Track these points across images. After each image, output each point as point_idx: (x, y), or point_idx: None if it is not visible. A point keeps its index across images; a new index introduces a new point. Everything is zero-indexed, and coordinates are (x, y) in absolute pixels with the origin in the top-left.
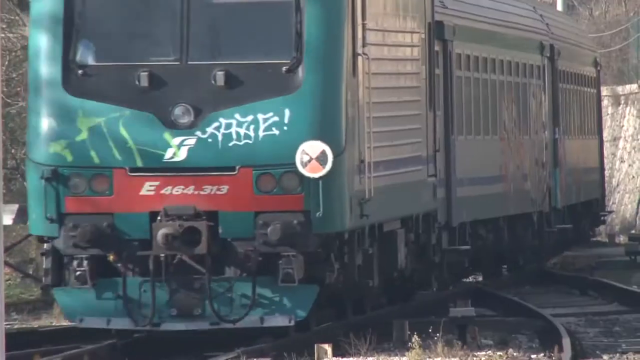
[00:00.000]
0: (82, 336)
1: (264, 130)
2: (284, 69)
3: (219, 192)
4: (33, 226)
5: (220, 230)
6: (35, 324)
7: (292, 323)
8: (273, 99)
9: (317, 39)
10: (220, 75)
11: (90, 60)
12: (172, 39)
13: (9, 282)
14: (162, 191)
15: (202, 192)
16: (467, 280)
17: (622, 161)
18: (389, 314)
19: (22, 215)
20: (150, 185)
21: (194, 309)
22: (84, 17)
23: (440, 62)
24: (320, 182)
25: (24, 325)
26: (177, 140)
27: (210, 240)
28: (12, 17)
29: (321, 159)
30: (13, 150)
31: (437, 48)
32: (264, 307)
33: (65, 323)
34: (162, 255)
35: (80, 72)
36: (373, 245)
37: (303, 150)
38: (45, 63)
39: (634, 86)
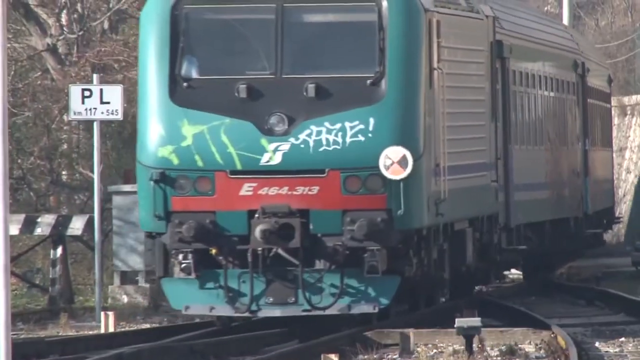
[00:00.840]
0: (88, 346)
1: (351, 137)
2: (368, 81)
3: (310, 193)
4: (142, 223)
5: (311, 227)
6: (41, 333)
7: (377, 310)
8: (359, 108)
9: (398, 55)
10: (311, 88)
11: (194, 74)
12: (268, 54)
13: (15, 292)
14: (259, 192)
15: (295, 193)
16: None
17: (628, 172)
18: (395, 323)
19: (28, 225)
20: (249, 187)
21: (288, 297)
22: (187, 35)
23: (499, 78)
24: (402, 183)
25: (30, 335)
26: (272, 146)
27: (302, 236)
28: (19, 28)
29: (402, 162)
30: (19, 160)
31: (496, 65)
32: (351, 295)
33: (71, 333)
34: (260, 249)
35: (185, 84)
36: (446, 242)
37: (386, 154)
38: (153, 77)
39: None
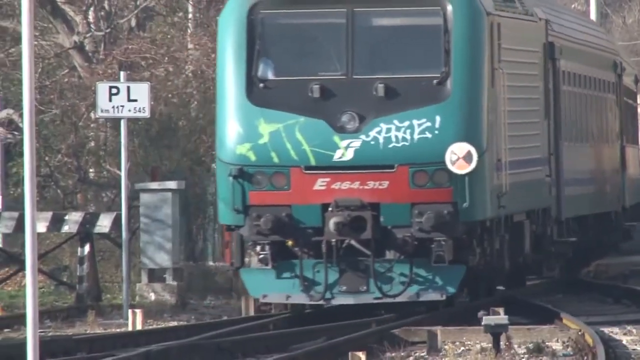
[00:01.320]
0: (115, 344)
1: (419, 134)
2: (435, 81)
3: (380, 187)
4: (222, 216)
5: (381, 219)
6: (69, 331)
7: (444, 298)
8: (426, 107)
9: (462, 56)
10: (380, 87)
11: (270, 75)
12: (339, 56)
13: (43, 289)
14: (332, 186)
15: (366, 187)
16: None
17: None
18: (422, 322)
19: (55, 223)
20: (322, 181)
21: (360, 286)
22: (263, 39)
23: (551, 78)
24: (467, 177)
25: (57, 333)
26: (344, 143)
27: (374, 228)
28: (46, 25)
29: (467, 157)
30: (47, 158)
31: (548, 66)
32: (419, 284)
33: (99, 331)
34: (333, 240)
35: (261, 85)
36: (507, 233)
37: (452, 150)
38: (231, 78)
39: None
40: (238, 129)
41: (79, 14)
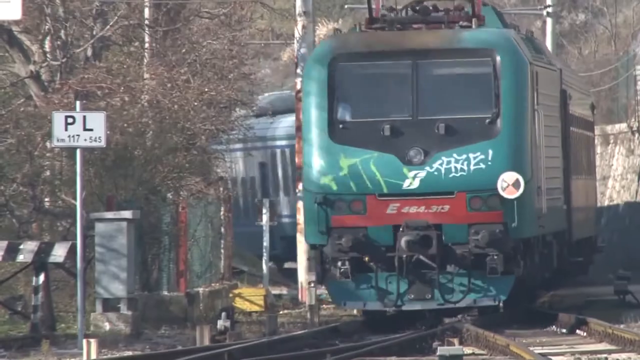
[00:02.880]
0: None
1: (474, 165)
2: (487, 121)
3: (442, 210)
4: (307, 237)
5: (444, 238)
6: None
7: (497, 303)
8: (480, 142)
9: (510, 99)
10: (441, 126)
11: (348, 118)
12: (406, 101)
13: None
14: (402, 210)
15: (430, 210)
16: (454, 319)
17: (611, 200)
18: (376, 352)
19: (10, 252)
20: (393, 206)
21: (426, 294)
22: (342, 87)
23: (564, 120)
24: (515, 201)
25: None
26: (412, 174)
27: (438, 245)
28: (2, 54)
29: (515, 184)
30: (2, 187)
31: (562, 109)
32: (476, 292)
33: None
34: (404, 255)
35: (341, 126)
36: (544, 249)
37: (502, 179)
38: (316, 121)
39: (623, 125)
40: (322, 163)
41: (35, 43)
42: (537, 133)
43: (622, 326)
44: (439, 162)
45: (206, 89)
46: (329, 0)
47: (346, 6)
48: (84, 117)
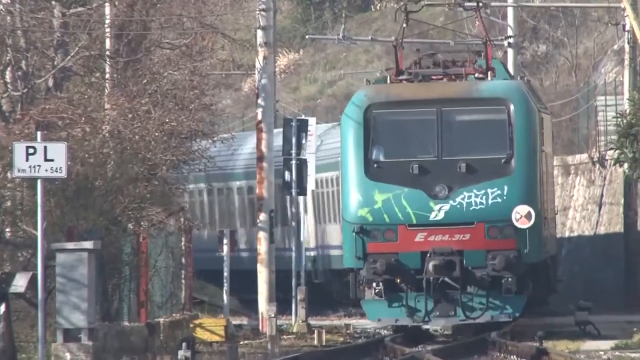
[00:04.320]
0: None
1: (492, 199)
2: (502, 160)
3: (464, 238)
4: (346, 261)
5: (465, 262)
6: None
7: (511, 319)
8: (497, 179)
9: (522, 142)
10: (463, 165)
11: (381, 158)
12: (432, 143)
13: None
14: (429, 238)
15: (453, 238)
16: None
17: (571, 231)
18: None
19: None
20: (421, 235)
21: (449, 311)
22: (376, 131)
23: (548, 161)
24: (527, 231)
25: None
26: (437, 207)
27: (461, 268)
28: None
29: (528, 216)
30: None
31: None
32: (493, 309)
33: None
34: (432, 278)
35: (375, 165)
36: (548, 272)
37: (516, 211)
38: (353, 160)
39: (584, 156)
40: (359, 197)
41: None
42: (543, 171)
43: (582, 357)
44: (461, 196)
45: (167, 120)
46: (290, 31)
47: (307, 37)
48: (45, 147)
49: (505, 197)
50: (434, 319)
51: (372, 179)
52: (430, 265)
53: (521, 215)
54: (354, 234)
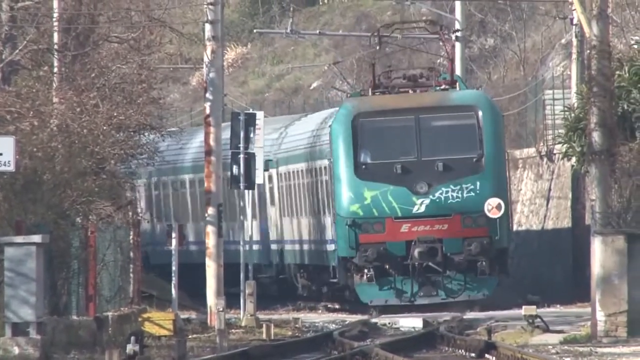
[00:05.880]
0: None
1: (466, 193)
2: (474, 159)
3: (443, 228)
4: (340, 251)
5: (444, 249)
6: None
7: (484, 296)
8: (470, 176)
9: (490, 143)
10: (440, 165)
11: (369, 160)
12: (412, 146)
13: None
14: (412, 229)
15: (434, 228)
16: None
17: (519, 225)
18: None
19: None
20: (406, 226)
21: (432, 292)
22: (363, 136)
23: None
24: (497, 220)
25: None
26: (419, 201)
27: (441, 254)
28: None
29: (498, 207)
30: None
31: None
32: (470, 290)
33: None
34: (417, 263)
35: (363, 166)
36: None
37: (488, 203)
38: (344, 163)
39: (532, 150)
40: (350, 195)
41: None
42: (507, 168)
43: (531, 350)
44: (440, 191)
45: (115, 113)
46: (238, 25)
47: (255, 31)
48: None
49: (478, 192)
50: (419, 299)
51: (362, 179)
52: (415, 252)
53: (492, 207)
54: (347, 227)
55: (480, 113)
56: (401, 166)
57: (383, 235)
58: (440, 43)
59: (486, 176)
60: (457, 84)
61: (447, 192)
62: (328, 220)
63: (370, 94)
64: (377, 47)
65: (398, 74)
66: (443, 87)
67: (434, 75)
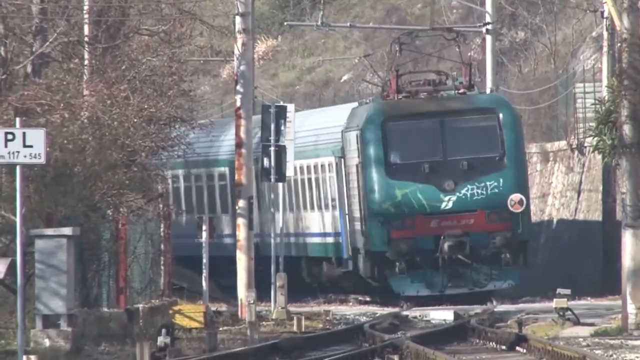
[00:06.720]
0: None
1: (490, 190)
2: (496, 158)
3: (469, 223)
4: (373, 245)
5: (471, 243)
6: None
7: (509, 286)
8: (493, 174)
9: (511, 142)
10: (465, 164)
11: (399, 160)
12: (438, 147)
13: None
14: (441, 224)
15: (461, 223)
16: (396, 335)
17: (550, 218)
18: None
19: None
20: (435, 222)
21: (461, 282)
22: (392, 138)
23: None
24: (520, 214)
25: None
26: (446, 198)
27: (469, 248)
28: None
29: (520, 202)
30: None
31: None
32: (496, 280)
33: None
34: (446, 256)
35: (394, 167)
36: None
37: (511, 198)
38: (375, 163)
39: (563, 143)
40: (382, 193)
41: None
42: (527, 165)
43: (562, 343)
44: (465, 189)
45: (146, 106)
46: (268, 17)
47: (285, 23)
48: (24, 133)
49: (501, 188)
50: (448, 289)
51: (392, 178)
52: (445, 246)
53: (515, 202)
54: (380, 223)
55: (500, 115)
56: (429, 166)
57: (413, 231)
58: (457, 49)
59: (508, 174)
60: (475, 87)
61: (472, 189)
62: (334, 214)
63: (395, 98)
64: (398, 55)
65: (416, 77)
66: (462, 90)
67: (451, 79)
